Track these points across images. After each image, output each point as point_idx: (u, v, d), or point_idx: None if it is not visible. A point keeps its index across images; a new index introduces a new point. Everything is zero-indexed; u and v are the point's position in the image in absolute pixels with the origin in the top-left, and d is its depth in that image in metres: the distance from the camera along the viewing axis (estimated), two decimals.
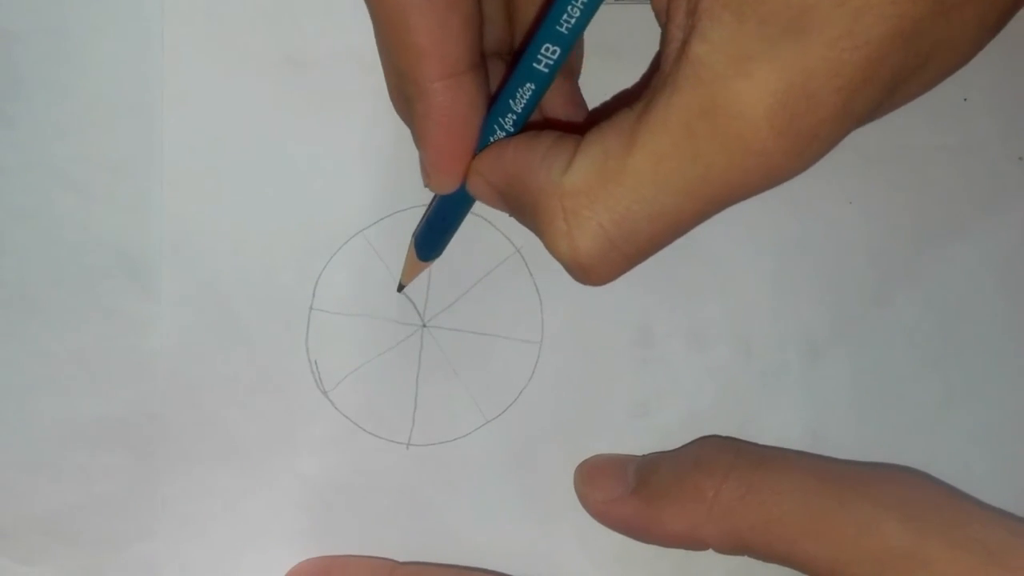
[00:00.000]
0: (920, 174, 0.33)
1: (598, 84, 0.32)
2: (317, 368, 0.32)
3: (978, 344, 0.33)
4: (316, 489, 0.33)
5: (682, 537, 0.30)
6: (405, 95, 0.28)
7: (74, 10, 0.31)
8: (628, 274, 0.32)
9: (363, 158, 0.32)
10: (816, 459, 0.33)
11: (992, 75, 0.33)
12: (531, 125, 0.28)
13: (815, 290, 0.33)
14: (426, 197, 0.32)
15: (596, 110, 0.32)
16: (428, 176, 0.29)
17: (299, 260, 0.32)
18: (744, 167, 0.24)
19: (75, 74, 0.31)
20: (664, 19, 0.25)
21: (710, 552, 0.31)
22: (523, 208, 0.27)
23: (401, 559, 0.33)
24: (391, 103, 0.30)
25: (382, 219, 0.32)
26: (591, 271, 0.26)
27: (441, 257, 0.32)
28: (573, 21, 0.26)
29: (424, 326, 0.33)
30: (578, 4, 0.26)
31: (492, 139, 0.28)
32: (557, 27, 0.26)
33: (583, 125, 0.31)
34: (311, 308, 0.32)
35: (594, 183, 0.25)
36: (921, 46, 0.23)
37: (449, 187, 0.29)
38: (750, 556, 0.30)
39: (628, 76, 0.33)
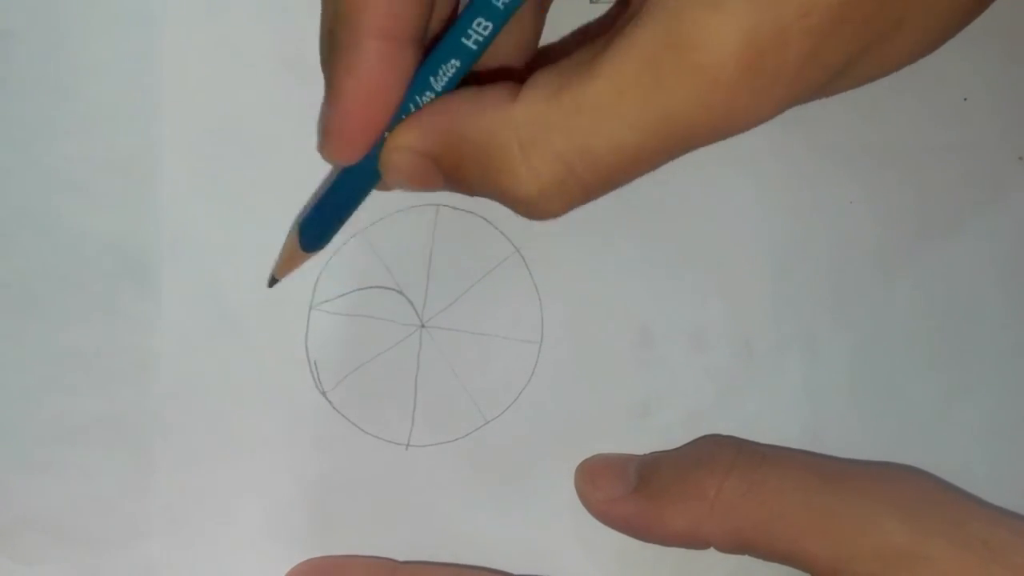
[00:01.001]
0: (920, 174, 0.33)
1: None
2: (316, 368, 0.32)
3: (978, 343, 0.33)
4: (316, 489, 0.32)
5: (683, 535, 0.30)
6: (334, 39, 0.26)
7: (73, 10, 0.31)
8: (628, 274, 0.33)
9: None
10: (817, 457, 0.33)
11: (992, 75, 0.34)
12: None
13: (815, 290, 0.33)
14: (425, 196, 0.32)
15: (544, 48, 0.31)
16: (329, 141, 0.27)
17: None
18: (708, 103, 0.23)
19: (75, 74, 0.31)
20: None
21: (711, 552, 0.31)
22: (464, 162, 0.26)
23: (401, 559, 0.33)
24: (318, 51, 0.28)
25: (382, 219, 0.32)
26: (549, 200, 0.25)
27: (440, 257, 0.32)
28: None
29: (423, 326, 0.33)
30: None
31: (403, 117, 0.26)
32: (493, 1, 0.25)
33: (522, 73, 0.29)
34: (310, 308, 0.32)
35: (550, 111, 0.24)
36: (896, 2, 0.23)
37: (349, 157, 0.27)
38: (751, 554, 0.30)
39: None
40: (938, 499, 0.30)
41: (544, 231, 0.32)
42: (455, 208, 0.32)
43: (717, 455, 0.31)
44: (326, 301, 0.32)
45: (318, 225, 0.29)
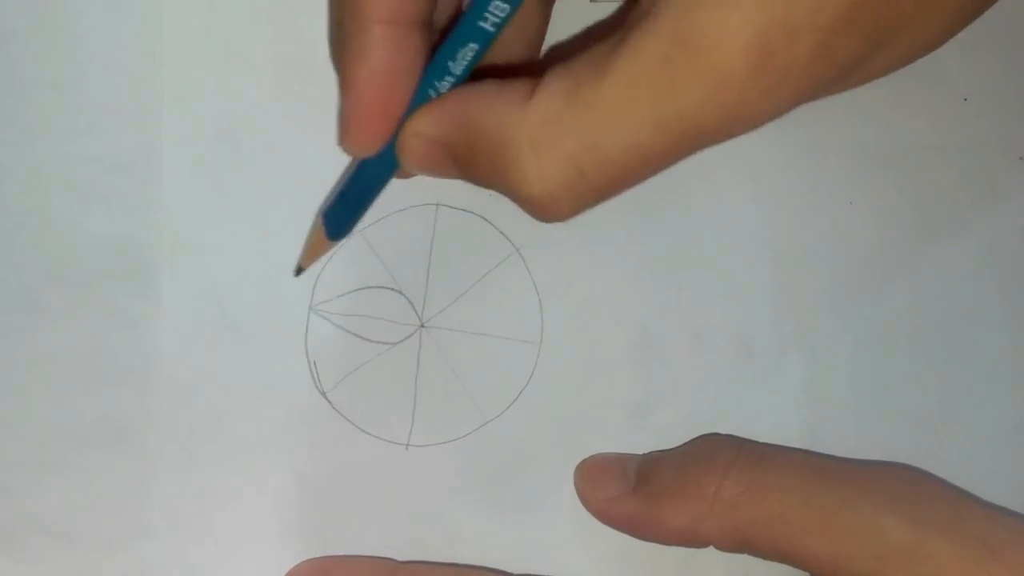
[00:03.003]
0: (920, 174, 0.33)
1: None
2: (316, 368, 0.32)
3: (978, 343, 0.33)
4: (315, 489, 0.32)
5: (683, 534, 0.30)
6: (343, 28, 0.26)
7: (73, 9, 0.31)
8: (628, 274, 0.33)
9: None
10: (817, 456, 0.33)
11: (993, 75, 0.34)
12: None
13: (815, 290, 0.33)
14: (425, 196, 0.32)
15: (554, 48, 0.32)
16: (347, 133, 0.27)
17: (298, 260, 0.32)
18: (719, 102, 0.23)
19: (75, 74, 0.31)
20: None
21: (710, 551, 0.31)
22: (476, 155, 0.26)
23: (401, 559, 0.33)
24: (328, 48, 0.28)
25: (382, 219, 0.32)
26: (558, 202, 0.25)
27: (440, 257, 0.32)
28: None
29: (423, 326, 0.33)
30: None
31: (422, 103, 0.26)
32: None
33: (530, 68, 0.30)
34: (310, 308, 0.32)
35: (562, 111, 0.24)
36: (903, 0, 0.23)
37: (369, 148, 0.27)
38: (751, 553, 0.30)
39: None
40: (937, 497, 0.30)
41: (544, 231, 0.32)
42: (455, 208, 0.32)
43: (716, 454, 0.31)
44: (326, 301, 0.32)
45: (341, 214, 0.29)
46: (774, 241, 0.33)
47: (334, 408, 0.33)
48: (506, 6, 0.25)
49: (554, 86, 0.24)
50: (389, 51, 0.26)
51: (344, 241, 0.32)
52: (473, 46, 0.26)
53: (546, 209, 0.25)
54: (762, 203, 0.33)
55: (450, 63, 0.26)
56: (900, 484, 0.30)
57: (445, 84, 0.26)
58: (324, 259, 0.32)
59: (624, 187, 0.25)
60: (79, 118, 0.31)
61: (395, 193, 0.32)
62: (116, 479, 0.32)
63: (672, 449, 0.33)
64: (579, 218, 0.32)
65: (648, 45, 0.23)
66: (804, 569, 0.29)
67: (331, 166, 0.32)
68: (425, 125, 0.26)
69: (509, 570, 0.33)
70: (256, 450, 0.32)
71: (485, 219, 0.33)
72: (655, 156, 0.24)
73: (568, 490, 0.33)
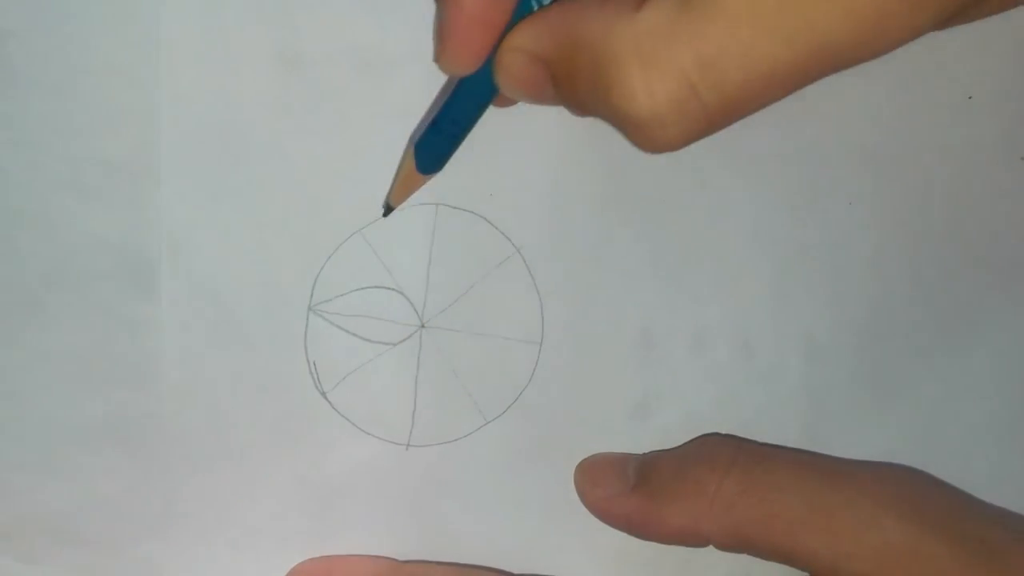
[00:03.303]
0: (920, 174, 0.33)
1: None
2: (316, 369, 0.32)
3: (978, 344, 0.33)
4: (316, 490, 0.32)
5: (683, 532, 0.30)
6: None
7: (72, 9, 0.31)
8: (628, 274, 0.32)
9: (362, 158, 0.32)
10: (817, 456, 0.33)
11: (994, 76, 0.33)
12: None
13: (815, 290, 0.33)
14: (425, 196, 0.32)
15: None
16: (444, 47, 0.25)
17: (298, 260, 0.32)
18: (856, 12, 0.21)
19: (74, 74, 0.31)
20: None
21: (710, 551, 0.31)
22: (578, 72, 0.23)
23: (401, 559, 0.33)
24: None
25: (381, 219, 0.32)
26: (666, 126, 0.22)
27: (440, 257, 0.32)
28: None
29: (423, 327, 0.33)
30: None
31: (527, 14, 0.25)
32: None
33: None
34: (310, 308, 0.32)
35: (675, 20, 0.22)
36: None
37: (468, 64, 0.25)
38: (750, 552, 0.30)
39: None
40: (936, 498, 0.30)
41: (544, 231, 0.32)
42: (455, 208, 0.32)
43: (716, 453, 0.31)
44: (326, 301, 0.32)
45: (435, 145, 0.27)
46: (774, 241, 0.33)
47: (334, 408, 0.33)
48: None
49: None
50: None
51: (346, 242, 0.32)
52: None
53: (652, 134, 0.23)
54: (762, 203, 0.33)
55: None
56: (900, 484, 0.30)
57: None
58: (323, 259, 0.32)
59: (741, 114, 0.23)
60: (79, 118, 0.31)
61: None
62: (117, 479, 0.32)
63: (672, 448, 0.33)
64: (579, 218, 0.32)
65: None
66: (803, 569, 0.29)
67: (329, 165, 0.32)
68: (525, 39, 0.24)
69: (509, 570, 0.33)
70: (257, 450, 0.32)
71: (485, 219, 0.32)
72: (780, 76, 0.22)
73: (568, 490, 0.33)
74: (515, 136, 0.32)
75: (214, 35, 0.31)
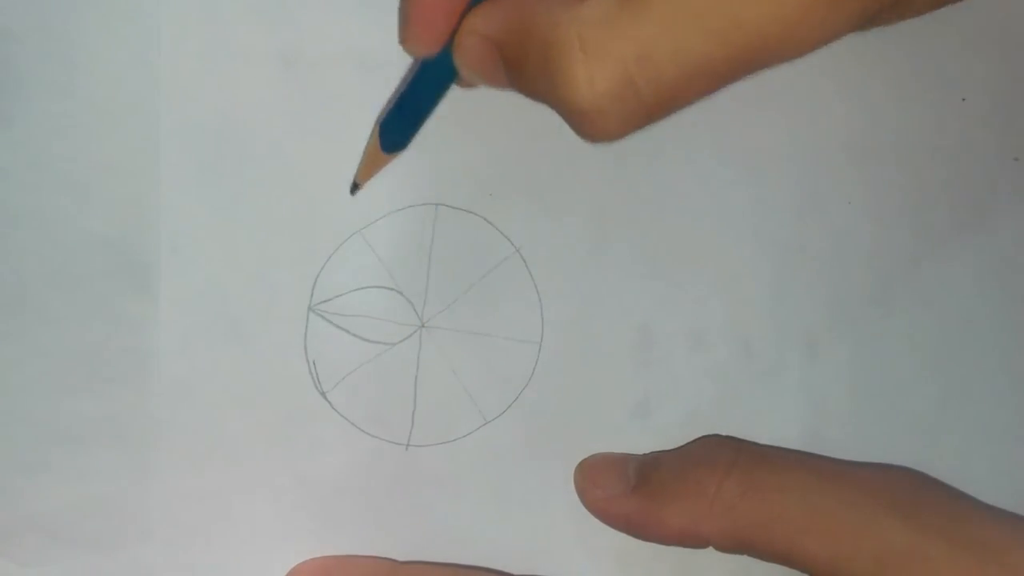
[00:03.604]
0: (918, 174, 0.33)
1: None
2: (315, 369, 0.32)
3: (977, 344, 0.33)
4: (315, 490, 0.32)
5: (682, 534, 0.30)
6: None
7: (73, 10, 0.31)
8: (628, 274, 0.33)
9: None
10: (817, 458, 0.33)
11: (990, 77, 0.33)
12: None
13: (815, 290, 0.33)
14: (425, 196, 0.32)
15: None
16: (407, 30, 0.27)
17: (297, 260, 0.32)
18: (782, 14, 0.22)
19: (74, 74, 0.31)
20: None
21: (710, 552, 0.31)
22: (527, 56, 0.25)
23: (401, 559, 0.33)
24: None
25: (380, 219, 0.32)
26: (606, 116, 0.24)
27: (440, 257, 0.32)
28: None
29: (423, 326, 0.33)
30: None
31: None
32: None
33: None
34: (309, 308, 0.32)
35: (616, 12, 0.23)
36: None
37: (430, 47, 0.27)
38: (750, 554, 0.30)
39: None
40: (937, 499, 0.30)
41: (544, 231, 0.32)
42: (455, 208, 0.32)
43: (717, 454, 0.31)
44: (325, 301, 0.32)
45: (399, 124, 0.29)
46: (774, 241, 0.33)
47: (334, 408, 0.33)
48: None
49: None
50: None
51: (346, 242, 0.32)
52: None
53: (593, 123, 0.24)
54: (762, 203, 0.33)
55: None
56: (900, 486, 0.30)
57: None
58: (323, 259, 0.32)
59: (677, 105, 0.24)
60: (79, 118, 0.31)
61: (395, 193, 0.32)
62: (116, 479, 0.32)
63: (672, 449, 0.33)
64: (579, 218, 0.32)
65: None
66: (803, 570, 0.29)
67: (329, 165, 0.32)
68: (481, 22, 0.26)
69: (509, 570, 0.33)
70: (256, 450, 0.32)
71: (485, 219, 0.32)
72: (712, 71, 0.23)
73: (568, 490, 0.33)
74: (515, 136, 0.32)
75: (214, 35, 0.31)
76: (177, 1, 0.31)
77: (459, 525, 0.33)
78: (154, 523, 0.32)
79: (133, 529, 0.32)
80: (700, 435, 0.33)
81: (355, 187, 0.31)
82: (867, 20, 0.24)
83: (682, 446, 0.33)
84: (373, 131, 0.30)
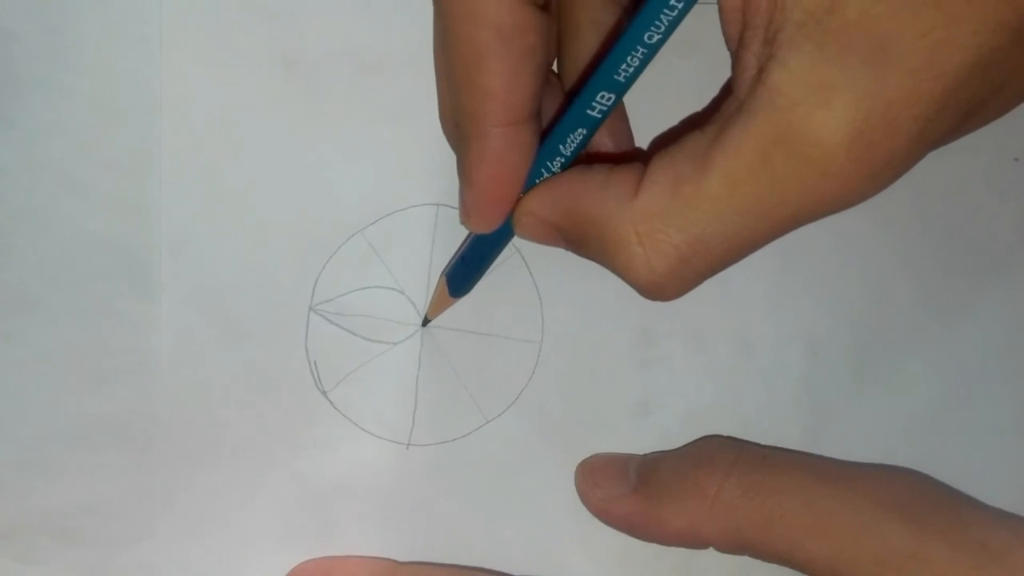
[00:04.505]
0: (918, 174, 0.33)
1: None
2: (316, 368, 0.32)
3: (977, 343, 0.33)
4: (316, 489, 0.32)
5: (683, 535, 0.30)
6: (461, 130, 0.28)
7: (73, 10, 0.31)
8: None
9: (362, 158, 0.32)
10: (817, 459, 0.33)
11: None
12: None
13: (815, 290, 0.33)
14: (425, 196, 0.32)
15: (658, 137, 0.32)
16: (468, 216, 0.29)
17: (298, 260, 0.32)
18: (819, 191, 0.24)
19: (75, 74, 0.31)
20: (736, 46, 0.25)
21: (710, 552, 0.31)
22: (585, 239, 0.27)
23: (401, 559, 0.33)
24: (440, 123, 0.30)
25: (381, 219, 0.32)
26: (665, 288, 0.26)
27: (441, 257, 0.32)
28: (631, 70, 0.26)
29: (424, 326, 0.33)
30: (638, 54, 0.26)
31: (537, 181, 0.28)
32: (615, 76, 0.26)
33: (627, 155, 0.31)
34: (310, 308, 0.32)
35: (668, 206, 0.25)
36: (998, 74, 0.24)
37: (489, 228, 0.29)
38: (750, 555, 0.30)
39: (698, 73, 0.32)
40: (937, 501, 0.30)
41: None
42: (455, 208, 0.32)
43: (717, 455, 0.31)
44: (326, 301, 0.32)
45: (462, 275, 0.31)
46: (774, 241, 0.33)
47: (335, 407, 0.33)
48: (612, 95, 0.27)
49: (658, 180, 0.26)
50: (507, 149, 0.27)
51: (347, 242, 0.32)
52: (582, 131, 0.28)
53: (652, 293, 0.27)
54: None
55: (561, 146, 0.28)
56: (901, 488, 0.30)
57: (556, 164, 0.28)
58: (324, 259, 0.32)
59: (725, 267, 0.26)
60: (78, 118, 0.31)
61: (396, 193, 0.32)
62: (116, 479, 0.32)
63: (673, 450, 0.33)
64: None
65: (746, 141, 0.24)
66: (803, 572, 0.29)
67: (329, 166, 0.32)
68: (538, 206, 0.28)
69: (509, 570, 0.33)
70: (256, 450, 0.32)
71: None
72: (757, 241, 0.26)
73: (568, 490, 0.33)
74: None
75: (214, 35, 0.31)
76: (177, 1, 0.31)
77: (459, 525, 0.33)
78: (154, 522, 0.32)
79: (133, 528, 0.32)
80: (700, 435, 0.33)
81: (426, 320, 0.33)
82: (908, 169, 0.25)
83: (683, 447, 0.33)
84: (440, 280, 0.32)
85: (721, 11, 0.26)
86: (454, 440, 0.33)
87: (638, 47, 0.26)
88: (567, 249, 0.28)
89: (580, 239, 0.27)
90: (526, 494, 0.33)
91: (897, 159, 0.24)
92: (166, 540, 0.32)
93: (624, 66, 0.26)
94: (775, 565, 0.30)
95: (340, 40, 0.31)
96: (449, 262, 0.32)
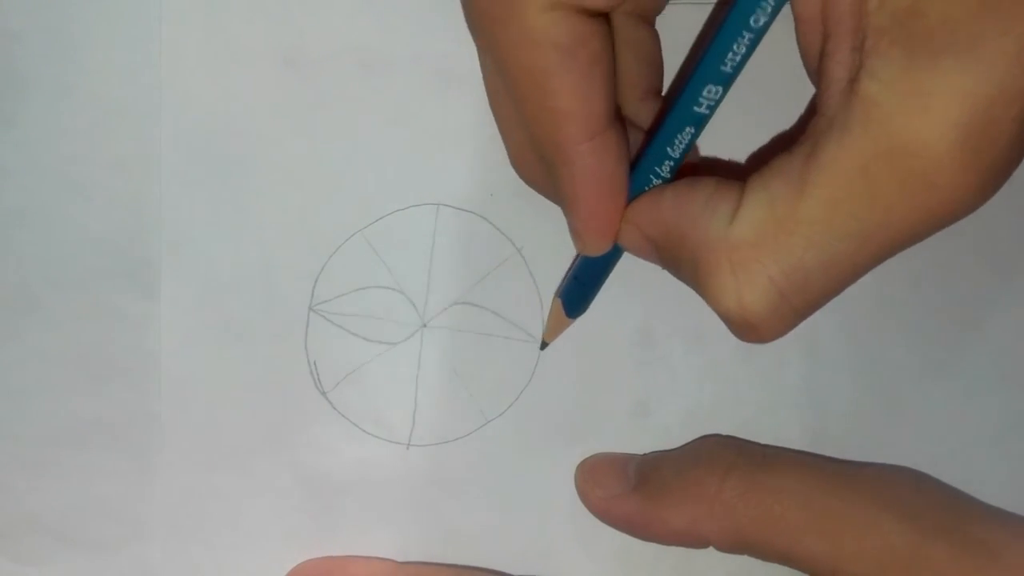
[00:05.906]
0: None
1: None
2: (316, 368, 0.32)
3: (978, 343, 0.33)
4: (316, 490, 0.32)
5: (683, 534, 0.30)
6: (545, 161, 0.27)
7: (74, 10, 0.31)
8: (628, 274, 0.32)
9: (362, 158, 0.32)
10: (818, 458, 0.33)
11: None
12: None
13: None
14: (425, 196, 0.32)
15: (753, 154, 0.32)
16: (581, 241, 0.28)
17: (298, 260, 0.32)
18: (928, 207, 0.23)
19: (75, 74, 0.31)
20: (816, 61, 0.24)
21: (710, 552, 0.31)
22: (680, 261, 0.26)
23: (401, 559, 0.33)
24: (513, 168, 0.29)
25: (381, 219, 0.32)
26: (760, 327, 0.25)
27: (441, 257, 0.32)
28: (738, 58, 0.25)
29: (424, 326, 0.33)
30: (744, 40, 0.24)
31: (646, 188, 0.27)
32: (721, 66, 0.25)
33: (741, 168, 0.31)
34: (310, 308, 0.32)
35: (763, 233, 0.24)
36: None
37: (604, 248, 0.28)
38: (750, 554, 0.30)
39: None
40: (937, 500, 0.30)
41: (544, 231, 0.32)
42: (456, 208, 0.32)
43: (717, 455, 0.31)
44: (326, 301, 0.32)
45: (576, 295, 0.31)
46: None
47: (334, 408, 0.33)
48: (719, 88, 0.25)
49: (754, 204, 0.24)
50: (599, 163, 0.26)
51: (347, 242, 0.32)
52: (690, 130, 0.26)
53: (743, 333, 0.25)
54: None
55: (668, 149, 0.27)
56: (901, 487, 0.30)
57: (666, 168, 0.27)
58: (324, 259, 0.32)
59: (827, 301, 0.25)
60: (79, 118, 0.31)
61: (396, 193, 0.32)
62: (116, 479, 0.32)
63: (673, 450, 0.33)
64: None
65: (843, 159, 0.23)
66: (804, 571, 0.29)
67: (329, 166, 0.32)
68: (640, 218, 0.27)
69: (509, 570, 0.33)
70: (256, 450, 0.32)
71: (486, 219, 0.32)
72: (860, 268, 0.24)
73: (568, 490, 0.33)
74: None
75: (214, 35, 0.31)
76: (177, 1, 0.31)
77: (459, 525, 0.33)
78: (154, 522, 0.32)
79: (133, 528, 0.32)
80: (700, 435, 0.33)
81: (544, 345, 0.32)
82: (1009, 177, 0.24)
83: (682, 446, 0.33)
84: (555, 301, 0.32)
85: (797, 22, 0.25)
86: (454, 440, 0.33)
87: (744, 32, 0.24)
88: (664, 268, 0.27)
89: (675, 260, 0.26)
90: (526, 494, 0.33)
91: (1001, 163, 0.23)
92: (165, 541, 0.32)
93: (731, 55, 0.24)
94: (775, 565, 0.30)
95: (341, 39, 0.31)
96: (561, 282, 0.32)
